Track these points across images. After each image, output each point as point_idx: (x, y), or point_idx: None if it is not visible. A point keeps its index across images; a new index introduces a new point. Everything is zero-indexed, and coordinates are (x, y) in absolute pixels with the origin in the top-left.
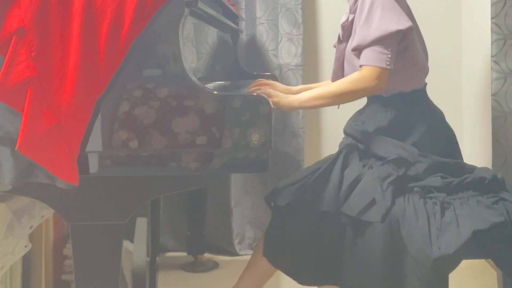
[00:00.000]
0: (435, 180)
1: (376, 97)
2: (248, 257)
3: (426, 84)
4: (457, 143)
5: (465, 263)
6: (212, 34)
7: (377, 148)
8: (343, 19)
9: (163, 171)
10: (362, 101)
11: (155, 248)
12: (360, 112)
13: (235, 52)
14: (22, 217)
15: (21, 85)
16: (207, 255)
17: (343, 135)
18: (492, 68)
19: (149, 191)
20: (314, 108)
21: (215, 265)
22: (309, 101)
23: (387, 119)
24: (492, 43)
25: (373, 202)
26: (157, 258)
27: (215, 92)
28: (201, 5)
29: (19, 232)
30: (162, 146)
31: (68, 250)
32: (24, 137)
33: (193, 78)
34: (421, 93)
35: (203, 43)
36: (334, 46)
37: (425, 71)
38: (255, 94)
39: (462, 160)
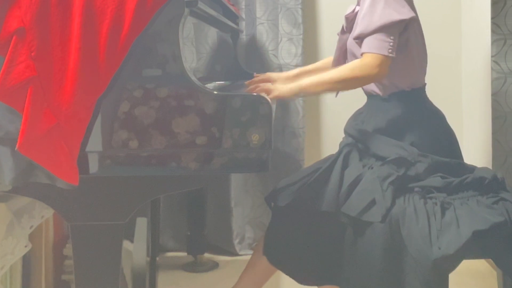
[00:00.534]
0: (435, 180)
1: (376, 96)
2: (248, 257)
3: (425, 84)
4: (457, 143)
5: (465, 263)
6: (212, 34)
7: (377, 148)
8: (349, 10)
9: (163, 171)
10: (362, 101)
11: (155, 248)
12: (360, 112)
13: (235, 52)
14: (22, 217)
15: (21, 85)
16: (207, 255)
17: (343, 135)
18: (492, 68)
19: (149, 191)
20: (314, 95)
21: (215, 265)
22: (310, 86)
23: (387, 118)
24: (492, 43)
25: (373, 202)
26: (157, 258)
27: (215, 92)
28: (201, 5)
29: (19, 232)
30: (162, 146)
31: (68, 250)
32: (24, 137)
33: (193, 78)
34: (421, 92)
35: (203, 43)
36: (338, 35)
37: (424, 66)
38: (255, 94)
39: (462, 160)
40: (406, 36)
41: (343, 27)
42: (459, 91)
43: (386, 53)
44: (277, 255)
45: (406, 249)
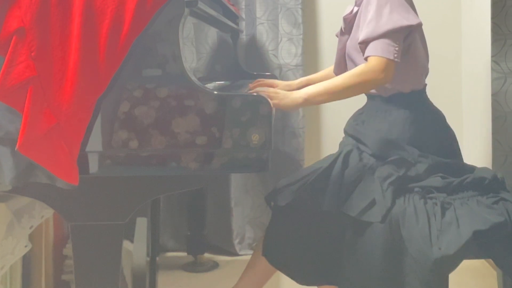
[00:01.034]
0: (435, 181)
1: (376, 97)
2: (248, 257)
3: (425, 85)
4: (457, 143)
5: (465, 263)
6: (212, 34)
7: (377, 148)
8: (347, 11)
9: (163, 171)
10: (362, 101)
11: (155, 248)
12: (360, 112)
13: (235, 52)
14: (22, 217)
15: (21, 85)
16: (207, 255)
17: (343, 135)
18: (492, 68)
19: (149, 191)
20: (319, 104)
21: (215, 265)
22: (315, 97)
23: (387, 119)
24: (492, 43)
25: (373, 202)
26: (157, 258)
27: (215, 92)
28: (201, 5)
29: (19, 232)
30: (162, 146)
31: (68, 250)
32: (24, 137)
33: (193, 78)
34: (421, 93)
35: (203, 43)
36: (337, 36)
37: (425, 71)
38: (255, 94)
39: (462, 160)
40: (409, 41)
41: (341, 28)
42: (459, 91)
43: (392, 57)
44: (277, 255)
45: (406, 249)
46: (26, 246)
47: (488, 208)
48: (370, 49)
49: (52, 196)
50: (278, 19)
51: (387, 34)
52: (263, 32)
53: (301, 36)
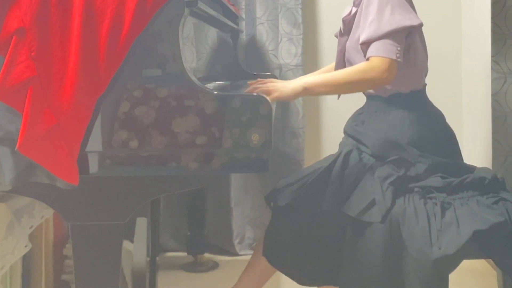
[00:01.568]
0: (435, 181)
1: (376, 97)
2: (248, 257)
3: (425, 85)
4: (457, 143)
5: (465, 263)
6: (212, 34)
7: (377, 149)
8: (345, 12)
9: (163, 171)
10: (362, 101)
11: (155, 248)
12: (359, 112)
13: (235, 52)
14: (22, 217)
15: (21, 85)
16: (207, 255)
17: (343, 135)
18: (492, 68)
19: (149, 191)
20: (317, 95)
21: (215, 265)
22: (314, 87)
23: (387, 119)
24: (492, 43)
25: (373, 203)
26: (157, 258)
27: (215, 92)
28: (201, 5)
29: (19, 232)
30: (162, 146)
31: (68, 250)
32: (24, 137)
33: (193, 78)
34: (421, 93)
35: (203, 43)
36: (336, 36)
37: (424, 71)
38: (255, 94)
39: (462, 160)
40: (409, 41)
41: (340, 29)
42: (459, 91)
43: (394, 57)
44: (277, 255)
45: (406, 249)
46: (26, 246)
47: (488, 208)
48: (373, 49)
49: (52, 196)
50: (278, 19)
51: (389, 35)
52: (263, 32)
53: (301, 36)
